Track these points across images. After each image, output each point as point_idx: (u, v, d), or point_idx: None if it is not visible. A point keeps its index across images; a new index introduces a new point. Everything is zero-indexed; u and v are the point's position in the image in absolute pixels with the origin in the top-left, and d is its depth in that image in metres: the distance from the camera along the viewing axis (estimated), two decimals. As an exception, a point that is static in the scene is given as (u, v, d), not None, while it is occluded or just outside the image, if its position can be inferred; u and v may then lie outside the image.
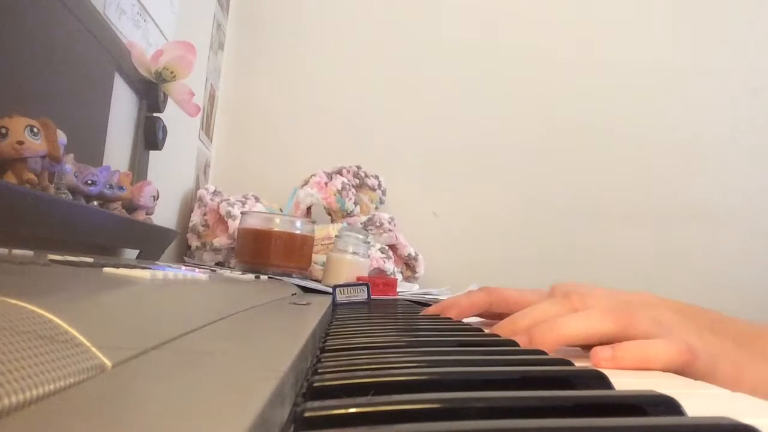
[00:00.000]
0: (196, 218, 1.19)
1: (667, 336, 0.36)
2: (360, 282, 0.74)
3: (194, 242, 1.19)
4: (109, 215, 0.72)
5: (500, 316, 0.64)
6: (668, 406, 0.19)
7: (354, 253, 1.02)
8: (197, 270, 0.56)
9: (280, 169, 1.39)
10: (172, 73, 0.89)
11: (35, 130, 0.54)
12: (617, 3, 1.47)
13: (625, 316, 0.38)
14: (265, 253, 1.04)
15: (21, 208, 0.52)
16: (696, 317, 0.44)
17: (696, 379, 0.34)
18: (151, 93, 0.92)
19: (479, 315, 0.62)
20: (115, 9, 0.81)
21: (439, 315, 0.60)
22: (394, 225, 1.27)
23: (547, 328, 0.39)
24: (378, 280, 0.89)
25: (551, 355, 0.31)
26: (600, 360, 0.35)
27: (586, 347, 0.39)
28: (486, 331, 0.44)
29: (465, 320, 0.60)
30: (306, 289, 0.91)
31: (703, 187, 1.43)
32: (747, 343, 0.42)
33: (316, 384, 0.21)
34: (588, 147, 1.44)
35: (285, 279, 0.98)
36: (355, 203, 1.28)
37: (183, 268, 0.61)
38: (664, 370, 0.35)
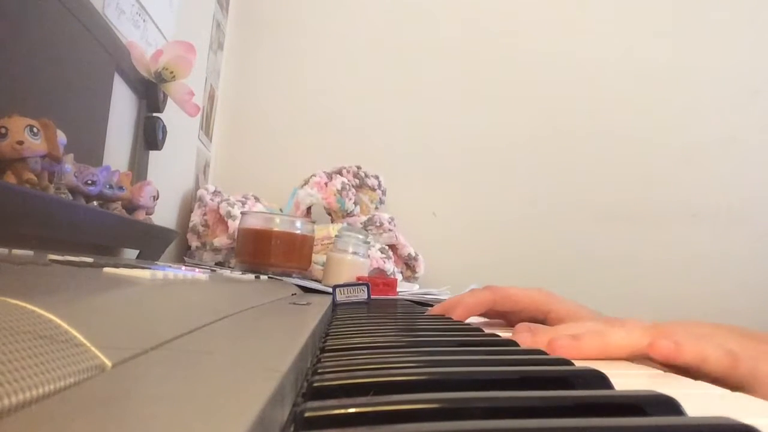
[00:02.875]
0: (196, 218, 1.19)
1: (711, 348, 0.36)
2: (360, 282, 0.74)
3: (194, 242, 1.19)
4: (109, 215, 0.72)
5: (504, 315, 0.64)
6: (668, 406, 0.19)
7: (354, 253, 1.02)
8: (197, 270, 0.56)
9: (280, 169, 1.39)
10: (171, 73, 0.89)
11: (35, 130, 0.54)
12: (617, 4, 1.47)
13: (664, 331, 0.39)
14: (265, 253, 1.04)
15: (21, 208, 0.52)
16: (731, 329, 0.44)
17: (740, 383, 0.34)
18: (151, 93, 0.92)
19: (483, 313, 0.62)
20: (115, 9, 0.81)
21: (443, 315, 0.60)
22: (394, 225, 1.27)
23: (594, 336, 0.39)
24: (378, 280, 0.89)
25: (550, 355, 0.31)
26: (659, 353, 0.35)
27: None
28: (486, 331, 0.44)
29: (468, 320, 0.60)
30: (306, 289, 0.91)
31: (703, 187, 1.43)
32: None
33: (316, 384, 0.21)
34: (588, 147, 1.44)
35: (285, 279, 0.98)
36: (355, 203, 1.28)
37: (183, 268, 0.61)
38: (711, 376, 0.35)
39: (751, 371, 0.36)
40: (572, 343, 0.39)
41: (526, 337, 0.42)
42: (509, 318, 0.64)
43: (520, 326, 0.47)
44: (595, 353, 0.38)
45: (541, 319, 0.60)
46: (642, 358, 0.39)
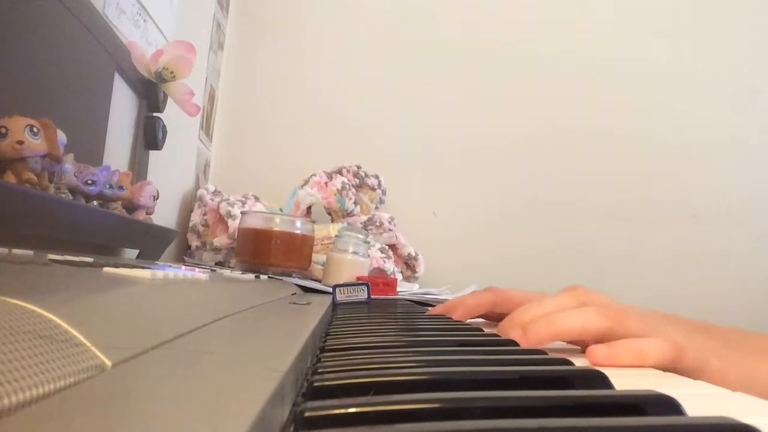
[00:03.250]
0: (196, 218, 1.19)
1: (656, 334, 0.37)
2: (360, 282, 0.74)
3: (194, 242, 1.19)
4: (109, 215, 0.72)
5: (504, 317, 0.64)
6: (668, 406, 0.19)
7: (354, 252, 1.02)
8: (197, 270, 0.56)
9: (280, 169, 1.39)
10: (171, 73, 0.89)
11: (35, 130, 0.54)
12: (617, 4, 1.47)
13: (618, 314, 0.40)
14: (265, 252, 1.04)
15: (21, 208, 0.52)
16: (685, 322, 0.45)
17: (685, 375, 0.34)
18: (151, 93, 0.92)
19: (483, 315, 0.62)
20: (115, 9, 0.81)
21: (444, 315, 0.60)
22: (394, 225, 1.27)
23: (543, 323, 0.40)
24: (378, 280, 0.89)
25: (551, 355, 0.31)
26: (597, 358, 0.35)
27: (584, 346, 0.40)
28: (486, 330, 0.44)
29: (468, 321, 0.60)
30: (306, 289, 0.91)
31: (703, 187, 1.43)
32: (734, 344, 0.43)
33: (316, 384, 0.21)
34: (588, 147, 1.44)
35: (285, 279, 0.98)
36: (355, 203, 1.28)
37: (183, 268, 0.61)
38: (657, 367, 0.36)
39: (697, 363, 0.37)
40: (521, 333, 0.40)
41: (518, 334, 0.43)
42: None
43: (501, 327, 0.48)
44: (546, 340, 0.40)
45: None
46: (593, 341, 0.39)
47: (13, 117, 0.53)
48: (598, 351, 0.36)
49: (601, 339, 0.39)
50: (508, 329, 0.42)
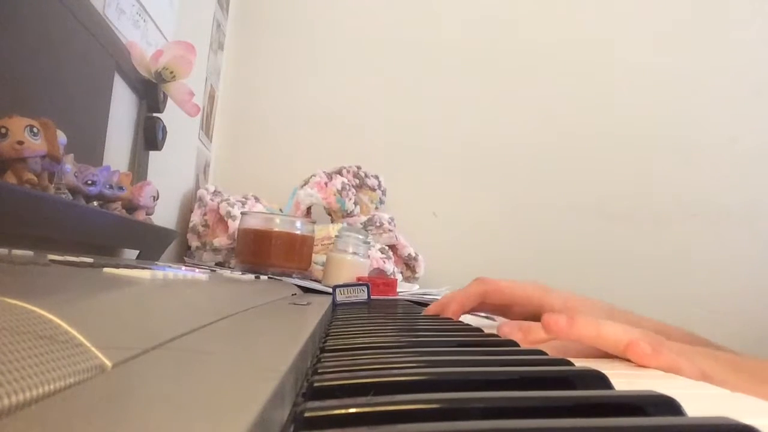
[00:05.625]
0: (196, 218, 1.19)
1: (687, 364, 0.37)
2: (360, 282, 0.74)
3: (194, 242, 1.19)
4: (109, 215, 0.72)
5: (497, 308, 0.64)
6: (668, 406, 0.19)
7: (354, 253, 1.02)
8: (197, 270, 0.56)
9: (280, 169, 1.39)
10: (171, 73, 0.89)
11: (35, 130, 0.54)
12: (617, 4, 1.47)
13: (654, 339, 0.39)
14: (265, 253, 1.04)
15: (21, 208, 0.52)
16: (719, 355, 0.45)
17: None
18: (151, 93, 0.92)
19: (477, 308, 0.62)
20: (115, 9, 0.81)
21: (439, 314, 0.60)
22: (394, 225, 1.27)
23: (589, 321, 0.40)
24: (378, 281, 0.89)
25: (551, 355, 0.31)
26: (640, 355, 0.36)
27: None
28: (486, 331, 0.44)
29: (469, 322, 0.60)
30: (306, 289, 0.91)
31: (703, 187, 1.43)
32: (758, 380, 0.43)
33: (316, 384, 0.21)
34: (588, 147, 1.44)
35: (285, 279, 0.98)
36: (355, 203, 1.28)
37: (183, 268, 0.61)
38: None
39: None
40: (568, 321, 0.40)
41: (519, 336, 0.43)
42: (503, 312, 0.63)
43: (506, 325, 0.47)
44: (588, 340, 0.39)
45: (535, 312, 0.60)
46: (612, 356, 0.39)
47: (13, 117, 0.53)
48: (642, 348, 0.36)
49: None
50: (553, 316, 0.41)
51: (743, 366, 0.44)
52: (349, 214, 1.26)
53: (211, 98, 1.36)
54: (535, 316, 0.59)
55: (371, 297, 0.71)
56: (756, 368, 0.44)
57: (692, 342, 0.48)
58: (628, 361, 0.37)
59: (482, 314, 0.70)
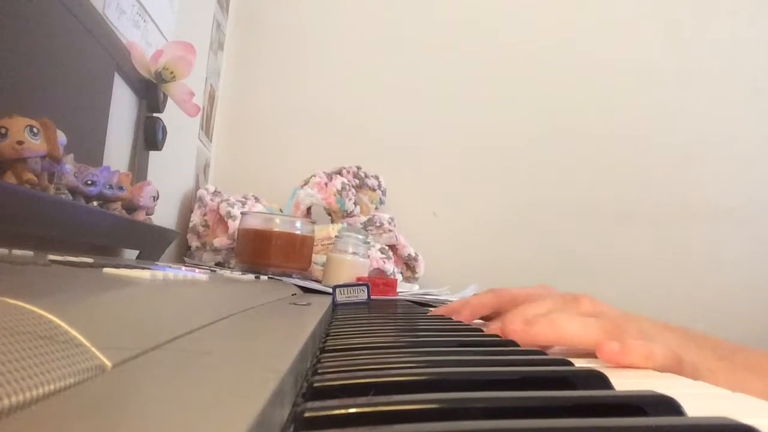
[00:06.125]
0: (196, 218, 1.19)
1: (657, 349, 0.38)
2: (360, 282, 0.74)
3: (194, 242, 1.19)
4: (109, 215, 0.72)
5: None
6: (668, 406, 0.19)
7: (354, 253, 1.02)
8: (197, 270, 0.56)
9: (280, 169, 1.39)
10: (171, 73, 0.89)
11: (35, 130, 0.54)
12: (618, 4, 1.47)
13: (617, 329, 0.40)
14: (265, 253, 1.04)
15: (21, 208, 0.52)
16: (683, 332, 0.46)
17: None
18: (151, 93, 0.92)
19: (487, 316, 0.62)
20: (115, 9, 0.81)
21: (450, 317, 0.60)
22: (394, 225, 1.27)
23: (546, 324, 0.40)
24: (378, 281, 0.89)
25: (551, 356, 0.31)
26: (607, 353, 0.35)
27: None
28: (486, 331, 0.44)
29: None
30: (306, 290, 0.90)
31: (703, 187, 1.43)
32: (726, 356, 0.44)
33: (316, 384, 0.21)
34: (588, 147, 1.44)
35: (285, 279, 0.98)
36: (355, 203, 1.28)
37: (183, 268, 0.61)
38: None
39: (693, 374, 0.37)
40: (524, 328, 0.40)
41: (493, 327, 0.44)
42: None
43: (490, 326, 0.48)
44: (545, 342, 0.40)
45: None
46: (589, 353, 0.39)
47: (13, 117, 0.53)
48: (609, 347, 0.36)
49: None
50: (511, 321, 0.42)
51: (709, 344, 0.45)
52: (349, 214, 1.26)
53: (211, 98, 1.36)
54: None
55: (371, 297, 0.71)
56: (720, 345, 0.45)
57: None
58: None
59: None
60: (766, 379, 0.42)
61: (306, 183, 1.26)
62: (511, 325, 0.40)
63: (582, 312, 0.45)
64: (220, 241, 1.15)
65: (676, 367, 0.36)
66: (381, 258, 1.17)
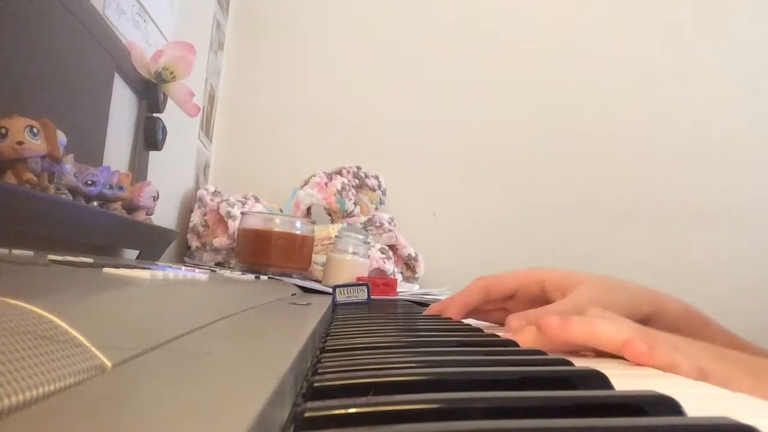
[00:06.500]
0: (196, 218, 1.19)
1: (683, 360, 0.37)
2: (360, 282, 0.74)
3: (194, 242, 1.19)
4: (109, 215, 0.72)
5: (503, 305, 0.64)
6: (668, 406, 0.19)
7: (354, 253, 1.02)
8: (197, 270, 0.56)
9: (280, 169, 1.39)
10: (171, 73, 0.89)
11: (35, 130, 0.54)
12: (618, 4, 1.47)
13: (649, 335, 0.39)
14: (265, 253, 1.04)
15: (21, 208, 0.52)
16: (714, 348, 0.44)
17: None
18: (151, 93, 0.92)
19: (480, 307, 0.62)
20: (115, 9, 0.81)
21: (440, 314, 0.60)
22: (394, 225, 1.27)
23: (582, 323, 0.39)
24: (378, 281, 0.89)
25: (551, 356, 0.31)
26: (635, 352, 0.35)
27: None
28: (486, 331, 0.44)
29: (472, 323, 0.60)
30: (306, 290, 0.91)
31: (703, 187, 1.43)
32: (761, 374, 0.43)
33: (316, 384, 0.21)
34: (588, 147, 1.44)
35: (285, 279, 0.98)
36: (355, 203, 1.28)
37: (183, 268, 0.61)
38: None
39: (722, 386, 0.37)
40: (561, 324, 0.39)
41: (516, 327, 0.43)
42: (510, 308, 0.63)
43: (511, 318, 0.47)
44: (579, 340, 0.39)
45: (538, 291, 0.60)
46: (612, 355, 0.39)
47: (13, 117, 0.53)
48: (637, 346, 0.35)
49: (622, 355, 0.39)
50: (545, 315, 0.41)
51: (742, 361, 0.44)
52: (349, 214, 1.26)
53: (211, 98, 1.36)
54: (538, 296, 0.59)
55: (371, 297, 0.71)
56: (754, 363, 0.44)
57: (739, 347, 0.47)
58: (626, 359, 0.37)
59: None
60: None
61: (306, 183, 1.26)
62: (548, 319, 0.39)
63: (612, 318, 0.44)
64: (220, 241, 1.15)
65: (702, 379, 0.36)
66: (381, 258, 1.17)
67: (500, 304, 0.63)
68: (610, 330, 0.39)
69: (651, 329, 0.43)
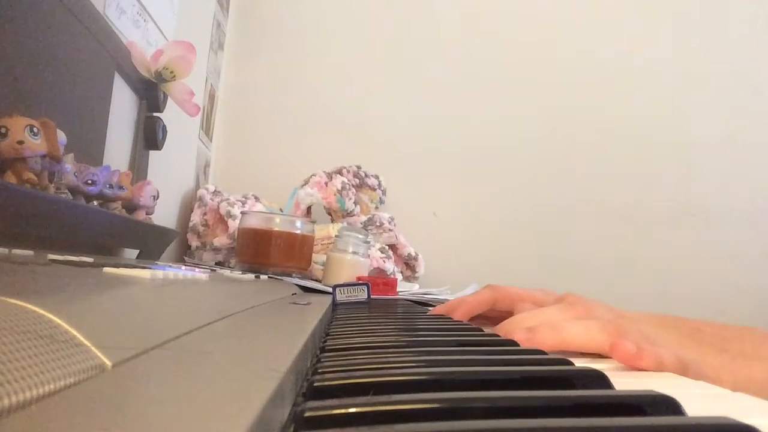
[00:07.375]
0: (196, 218, 1.19)
1: (666, 354, 0.38)
2: (360, 282, 0.74)
3: (194, 242, 1.19)
4: (109, 215, 0.72)
5: (505, 315, 0.64)
6: (668, 406, 0.19)
7: (354, 253, 1.02)
8: (197, 270, 0.56)
9: (280, 169, 1.39)
10: (172, 73, 0.89)
11: (35, 130, 0.54)
12: (619, 4, 1.47)
13: (619, 330, 0.40)
14: (265, 252, 1.04)
15: (21, 208, 0.52)
16: (678, 327, 0.46)
17: None
18: (151, 93, 0.92)
19: (484, 314, 0.62)
20: (115, 9, 0.81)
21: (445, 315, 0.60)
22: (394, 225, 1.27)
23: (549, 330, 0.40)
24: (378, 280, 0.89)
25: (551, 355, 0.31)
26: (623, 354, 0.35)
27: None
28: (486, 330, 0.44)
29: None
30: (306, 289, 0.91)
31: (703, 187, 1.43)
32: (724, 347, 0.44)
33: (316, 384, 0.21)
34: (588, 147, 1.44)
35: (285, 279, 0.98)
36: (355, 203, 1.28)
37: (183, 268, 0.61)
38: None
39: (697, 374, 0.38)
40: (528, 336, 0.40)
41: (498, 330, 0.44)
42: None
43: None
44: (550, 348, 0.40)
45: None
46: (595, 354, 0.40)
47: (13, 117, 0.53)
48: (625, 347, 0.36)
49: (600, 352, 0.39)
50: (512, 331, 0.42)
51: (708, 335, 0.45)
52: (349, 214, 1.26)
53: (211, 98, 1.36)
54: None
55: (371, 297, 0.71)
56: (718, 332, 0.46)
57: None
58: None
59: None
60: (765, 363, 0.43)
61: (306, 182, 1.26)
62: (515, 334, 0.40)
63: (579, 316, 0.45)
64: (220, 240, 1.15)
65: (682, 371, 0.36)
66: (381, 257, 1.17)
67: (504, 315, 0.64)
68: (578, 332, 0.40)
69: (618, 319, 0.44)
